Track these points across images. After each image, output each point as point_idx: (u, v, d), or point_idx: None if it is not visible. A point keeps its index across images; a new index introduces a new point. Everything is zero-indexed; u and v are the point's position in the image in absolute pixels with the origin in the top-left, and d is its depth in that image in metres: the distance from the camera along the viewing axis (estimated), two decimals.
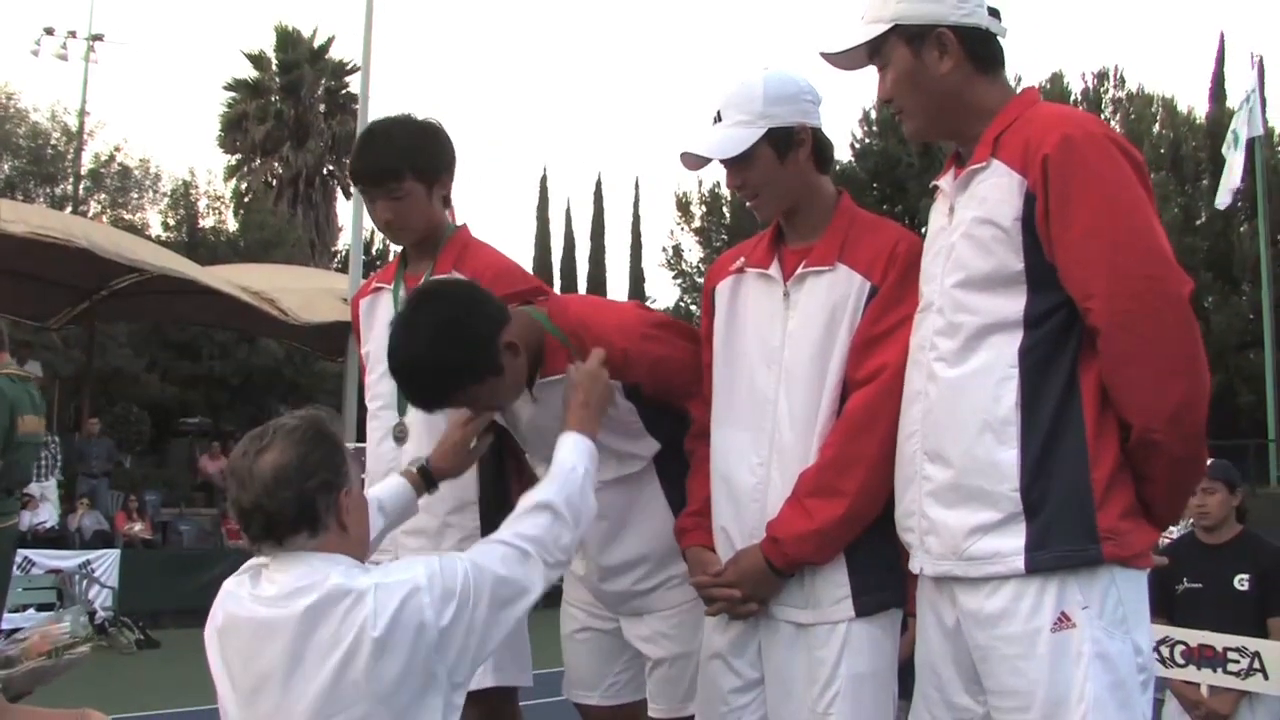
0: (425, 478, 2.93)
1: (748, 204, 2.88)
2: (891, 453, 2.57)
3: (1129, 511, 2.32)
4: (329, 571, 2.28)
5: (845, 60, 2.59)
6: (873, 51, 2.54)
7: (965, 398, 2.37)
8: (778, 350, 2.72)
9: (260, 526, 2.32)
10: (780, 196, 2.81)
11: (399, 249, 3.48)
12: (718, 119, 2.79)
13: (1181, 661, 4.70)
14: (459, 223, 3.45)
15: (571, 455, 2.66)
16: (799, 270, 2.73)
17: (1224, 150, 23.08)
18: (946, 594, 2.44)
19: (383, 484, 2.94)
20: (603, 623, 3.18)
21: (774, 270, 2.78)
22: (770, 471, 2.69)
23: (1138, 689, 2.29)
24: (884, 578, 2.65)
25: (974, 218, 2.40)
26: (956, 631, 2.42)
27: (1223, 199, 23.02)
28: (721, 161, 2.78)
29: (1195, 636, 4.71)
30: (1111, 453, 2.31)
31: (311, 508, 2.31)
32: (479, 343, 2.71)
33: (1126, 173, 2.32)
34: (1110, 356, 2.29)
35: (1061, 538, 2.27)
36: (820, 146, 2.82)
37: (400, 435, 3.29)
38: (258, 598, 2.32)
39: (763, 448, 2.71)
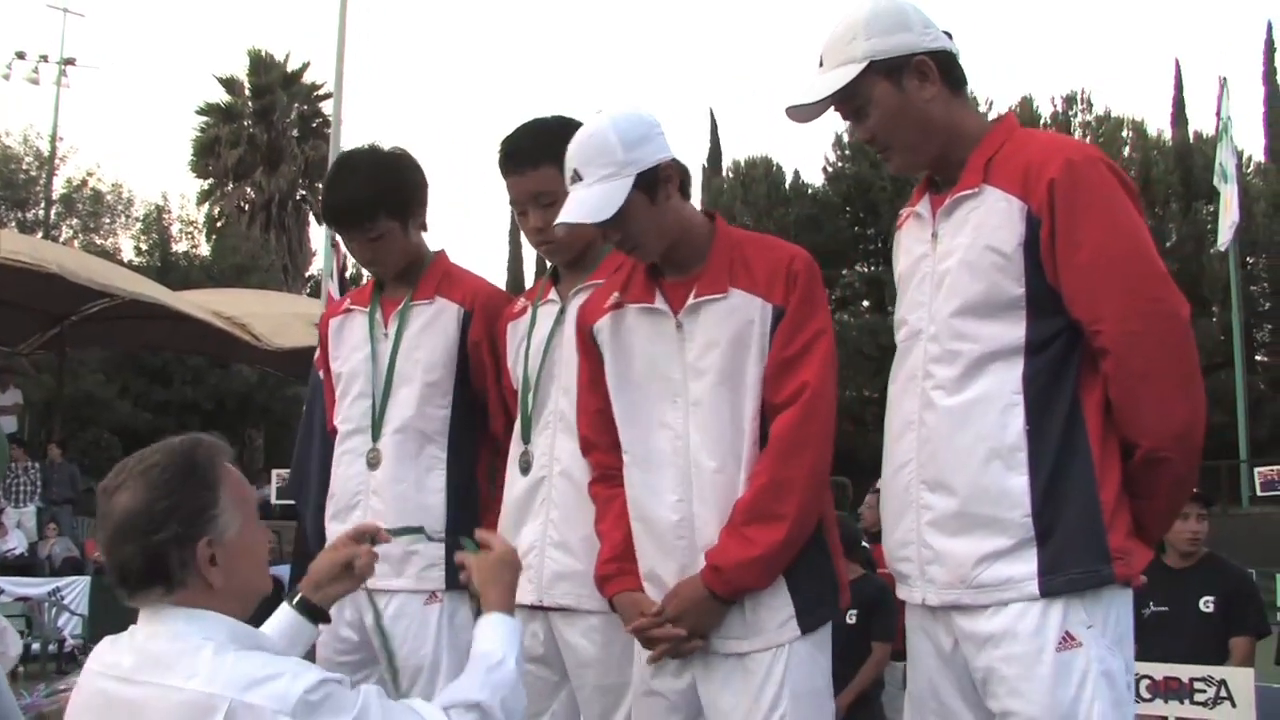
0: (309, 613, 2.43)
1: (628, 253, 2.72)
2: (821, 472, 2.57)
3: (1132, 531, 2.34)
4: (195, 662, 1.92)
5: (808, 112, 2.52)
6: (849, 95, 2.46)
7: (969, 425, 2.36)
8: (680, 384, 2.65)
9: (113, 575, 2.03)
10: (660, 238, 2.67)
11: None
12: (575, 178, 2.62)
13: (1148, 695, 4.65)
14: (435, 249, 3.43)
15: (499, 645, 2.25)
16: (690, 300, 2.64)
17: (1215, 183, 21.76)
18: (943, 619, 2.42)
19: (271, 620, 2.43)
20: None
21: (660, 303, 2.69)
22: (692, 506, 2.62)
23: (1130, 706, 2.32)
24: (821, 593, 2.63)
25: (970, 244, 2.38)
26: (954, 654, 2.41)
27: (1224, 237, 21.48)
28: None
29: (1160, 670, 4.66)
30: (1116, 474, 2.33)
31: (162, 563, 1.97)
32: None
33: (1125, 197, 2.35)
34: (1119, 378, 2.30)
35: (1075, 560, 2.28)
36: (680, 175, 2.72)
37: (374, 460, 3.25)
38: (112, 667, 2.00)
39: (680, 484, 2.63)
